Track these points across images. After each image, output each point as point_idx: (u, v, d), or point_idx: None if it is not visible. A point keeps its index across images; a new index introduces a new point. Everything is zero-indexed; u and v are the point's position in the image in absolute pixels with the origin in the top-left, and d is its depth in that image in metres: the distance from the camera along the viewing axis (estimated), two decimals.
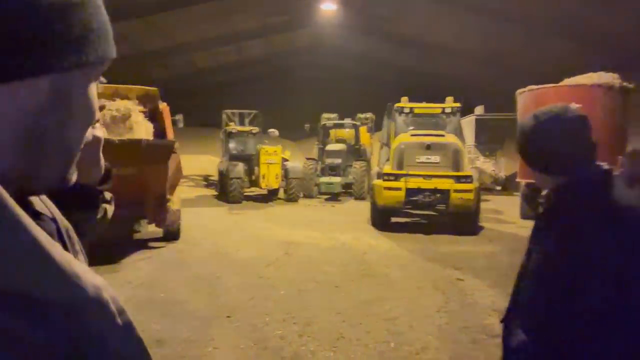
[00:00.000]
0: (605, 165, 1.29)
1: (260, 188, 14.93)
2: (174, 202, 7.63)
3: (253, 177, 15.07)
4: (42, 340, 0.41)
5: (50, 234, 0.51)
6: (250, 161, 15.04)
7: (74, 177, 0.52)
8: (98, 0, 0.50)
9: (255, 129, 15.86)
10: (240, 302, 4.83)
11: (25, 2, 0.43)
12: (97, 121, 0.55)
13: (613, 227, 1.19)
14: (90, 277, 0.47)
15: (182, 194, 9.00)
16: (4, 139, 0.45)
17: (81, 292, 0.45)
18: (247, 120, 17.24)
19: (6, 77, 0.43)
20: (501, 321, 1.53)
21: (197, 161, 21.93)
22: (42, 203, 0.57)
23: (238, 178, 13.76)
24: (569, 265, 1.22)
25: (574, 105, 1.37)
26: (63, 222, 0.59)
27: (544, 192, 1.45)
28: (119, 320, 0.48)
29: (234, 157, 14.98)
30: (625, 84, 10.57)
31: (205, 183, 19.58)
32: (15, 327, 0.40)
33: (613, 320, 1.16)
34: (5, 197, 0.42)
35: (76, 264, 0.46)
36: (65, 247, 0.56)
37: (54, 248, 0.44)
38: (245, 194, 14.48)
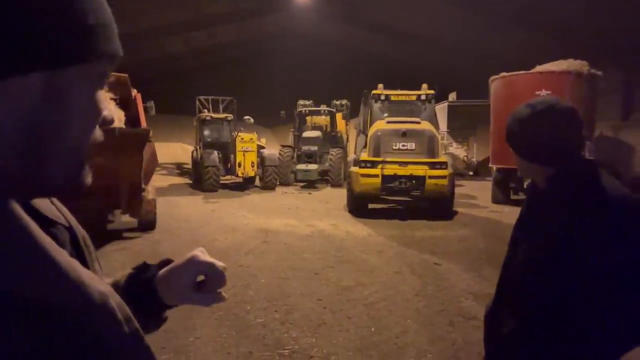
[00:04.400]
0: (589, 157, 1.33)
1: (236, 176, 14.81)
2: (149, 191, 7.49)
3: (229, 165, 14.93)
4: (45, 345, 0.40)
5: (62, 242, 0.50)
6: (226, 149, 14.87)
7: (88, 179, 0.50)
8: None
9: (230, 116, 15.66)
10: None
11: None
12: (110, 121, 0.52)
13: (603, 217, 1.22)
14: (97, 283, 0.46)
15: (156, 182, 8.85)
16: (1, 139, 0.43)
17: (86, 298, 0.44)
18: (221, 107, 16.99)
19: (18, 70, 0.41)
20: (487, 315, 1.54)
21: (170, 149, 21.57)
22: (59, 211, 0.56)
23: (213, 166, 13.61)
24: (562, 254, 1.24)
25: (547, 95, 1.42)
26: (79, 230, 0.58)
27: (527, 181, 1.49)
28: (125, 328, 0.48)
29: (208, 145, 14.79)
30: (593, 71, 10.89)
31: (179, 171, 19.29)
32: (18, 332, 0.39)
33: (606, 307, 1.19)
34: (8, 201, 0.41)
35: (82, 270, 0.45)
36: (81, 255, 0.55)
37: (59, 254, 0.43)
38: (221, 182, 14.34)
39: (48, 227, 0.49)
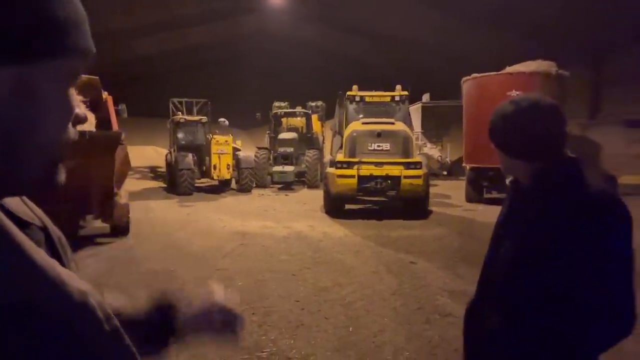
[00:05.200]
0: (572, 154, 1.35)
1: (212, 179, 14.66)
2: (122, 195, 7.34)
3: (204, 168, 14.76)
4: (26, 344, 0.40)
5: (37, 242, 0.49)
6: (200, 151, 14.71)
7: (61, 178, 0.50)
8: None
9: (204, 118, 15.49)
10: (197, 296, 4.75)
11: None
12: (83, 119, 0.51)
13: (589, 213, 1.24)
14: (76, 282, 0.46)
15: (129, 186, 8.68)
16: None
17: (66, 297, 0.44)
18: (195, 110, 16.79)
19: None
20: (467, 311, 1.55)
21: (143, 152, 21.15)
22: (32, 212, 0.55)
23: (188, 169, 13.43)
24: (549, 251, 1.26)
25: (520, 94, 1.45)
26: (54, 231, 0.57)
27: (509, 179, 1.50)
28: (106, 326, 0.47)
29: (182, 148, 14.59)
30: (561, 71, 11.24)
31: (153, 175, 18.96)
32: None
33: (589, 305, 1.22)
34: None
35: (61, 269, 0.45)
36: (57, 255, 0.54)
37: (37, 253, 0.43)
38: (196, 185, 14.17)
39: (21, 228, 0.48)
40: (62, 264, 0.50)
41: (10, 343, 0.39)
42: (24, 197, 0.55)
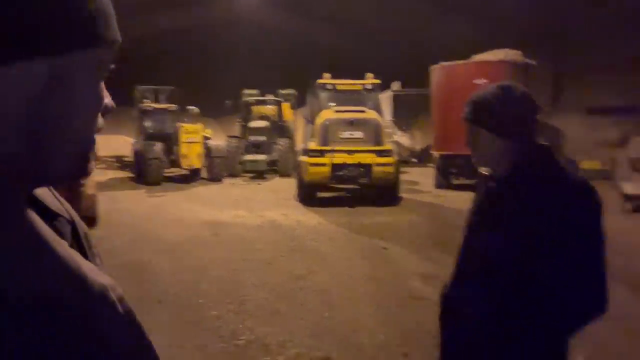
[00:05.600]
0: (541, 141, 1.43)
1: (182, 168, 14.39)
2: (89, 186, 7.13)
3: (173, 157, 14.46)
4: (44, 336, 0.40)
5: (63, 235, 0.49)
6: (169, 140, 14.38)
7: (92, 168, 0.50)
8: None
9: (173, 107, 15.14)
10: (172, 286, 4.71)
11: None
12: (111, 109, 0.52)
13: (571, 200, 1.32)
14: (97, 276, 0.46)
15: (95, 177, 8.44)
16: (5, 126, 0.42)
17: (85, 289, 0.44)
18: (162, 97, 16.38)
19: (0, 60, 0.40)
20: (444, 298, 1.59)
21: (109, 142, 20.54)
22: (62, 205, 0.55)
23: (156, 158, 13.13)
24: (539, 238, 1.32)
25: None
26: (81, 225, 0.57)
27: (482, 170, 1.54)
28: (126, 321, 0.48)
29: (150, 137, 14.23)
30: (527, 60, 11.55)
31: (119, 165, 18.47)
32: (15, 325, 0.39)
33: (567, 286, 1.30)
34: (9, 191, 0.41)
35: (82, 261, 0.45)
36: (82, 249, 0.54)
37: (59, 244, 0.43)
38: (165, 175, 13.89)
39: (50, 219, 0.48)
40: (86, 258, 0.50)
41: (27, 333, 0.39)
42: (52, 189, 0.55)
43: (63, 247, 0.43)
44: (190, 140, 14.01)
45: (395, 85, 20.33)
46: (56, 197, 0.55)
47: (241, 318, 3.96)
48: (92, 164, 0.51)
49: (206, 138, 14.88)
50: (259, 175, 15.19)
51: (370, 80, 11.10)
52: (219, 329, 3.74)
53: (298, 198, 10.03)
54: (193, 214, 8.74)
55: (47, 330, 0.40)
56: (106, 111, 0.51)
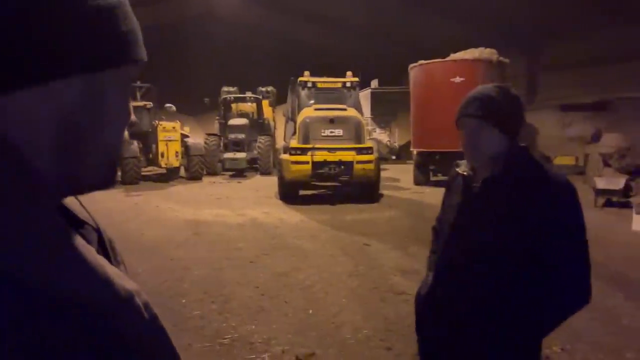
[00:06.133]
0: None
1: (159, 167, 14.21)
2: None
3: (150, 156, 14.27)
4: (71, 338, 0.42)
5: (90, 242, 0.51)
6: (146, 138, 14.18)
7: (117, 177, 0.52)
8: (128, 4, 0.51)
9: (149, 104, 14.91)
10: (153, 287, 4.66)
11: (62, 4, 0.44)
12: (135, 123, 0.55)
13: (558, 195, 1.39)
14: (123, 281, 0.47)
15: None
16: (42, 138, 0.45)
17: (112, 294, 0.45)
18: (139, 95, 16.11)
19: (42, 77, 0.43)
20: (423, 299, 1.61)
21: None
22: (88, 214, 0.57)
23: (133, 157, 12.93)
24: (525, 230, 1.38)
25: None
26: (106, 233, 0.59)
27: (461, 169, 1.58)
28: (151, 327, 0.49)
29: (127, 135, 14.00)
30: (501, 58, 11.79)
31: None
32: (40, 324, 0.40)
33: (556, 277, 1.37)
34: (41, 198, 0.43)
35: (110, 268, 0.47)
36: (107, 257, 0.55)
37: (87, 250, 0.45)
38: (143, 173, 13.69)
39: (77, 227, 0.50)
40: (112, 264, 0.51)
41: (54, 335, 0.40)
42: (79, 198, 0.56)
43: (90, 252, 0.45)
44: (168, 139, 13.85)
45: (374, 83, 20.47)
46: (82, 206, 0.57)
47: (225, 317, 3.95)
48: (117, 173, 0.53)
49: (184, 136, 14.71)
50: (238, 173, 15.11)
51: (350, 78, 11.16)
52: (202, 328, 3.73)
53: (279, 196, 10.03)
54: (173, 214, 8.65)
55: (73, 330, 0.42)
56: (131, 125, 0.53)
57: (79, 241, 0.44)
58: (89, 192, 0.53)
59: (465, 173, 1.55)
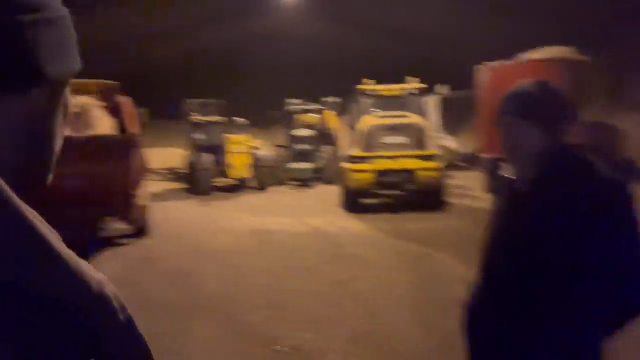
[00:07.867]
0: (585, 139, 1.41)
1: (230, 178, 14.81)
2: (140, 197, 7.48)
3: (222, 168, 14.92)
4: (46, 334, 0.43)
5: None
6: (218, 151, 14.86)
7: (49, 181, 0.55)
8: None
9: (220, 118, 15.64)
10: (216, 293, 4.83)
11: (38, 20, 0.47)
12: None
13: (599, 192, 1.29)
14: (93, 273, 0.48)
15: (150, 188, 8.85)
16: (13, 140, 0.49)
17: (85, 287, 0.46)
18: (210, 110, 16.95)
19: (23, 87, 0.47)
20: (472, 313, 1.57)
21: (160, 154, 21.50)
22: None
23: (205, 169, 13.60)
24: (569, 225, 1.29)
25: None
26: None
27: (508, 173, 1.49)
28: (121, 317, 0.50)
29: (200, 148, 14.75)
30: (581, 57, 10.97)
31: (173, 176, 19.24)
32: (17, 321, 0.41)
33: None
34: (9, 193, 0.44)
35: (80, 260, 0.48)
36: None
37: (61, 245, 0.46)
38: (215, 185, 14.33)
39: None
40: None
41: (30, 330, 0.42)
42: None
43: (62, 246, 0.46)
44: (236, 151, 14.42)
45: (440, 88, 19.94)
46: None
47: (282, 324, 3.99)
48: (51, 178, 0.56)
49: (255, 148, 15.25)
50: (304, 183, 15.34)
51: (412, 84, 10.96)
52: (259, 334, 3.79)
53: (342, 205, 10.02)
54: (240, 222, 8.94)
55: (49, 324, 0.43)
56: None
57: (50, 234, 0.45)
58: (36, 190, 0.54)
59: (508, 175, 1.46)
